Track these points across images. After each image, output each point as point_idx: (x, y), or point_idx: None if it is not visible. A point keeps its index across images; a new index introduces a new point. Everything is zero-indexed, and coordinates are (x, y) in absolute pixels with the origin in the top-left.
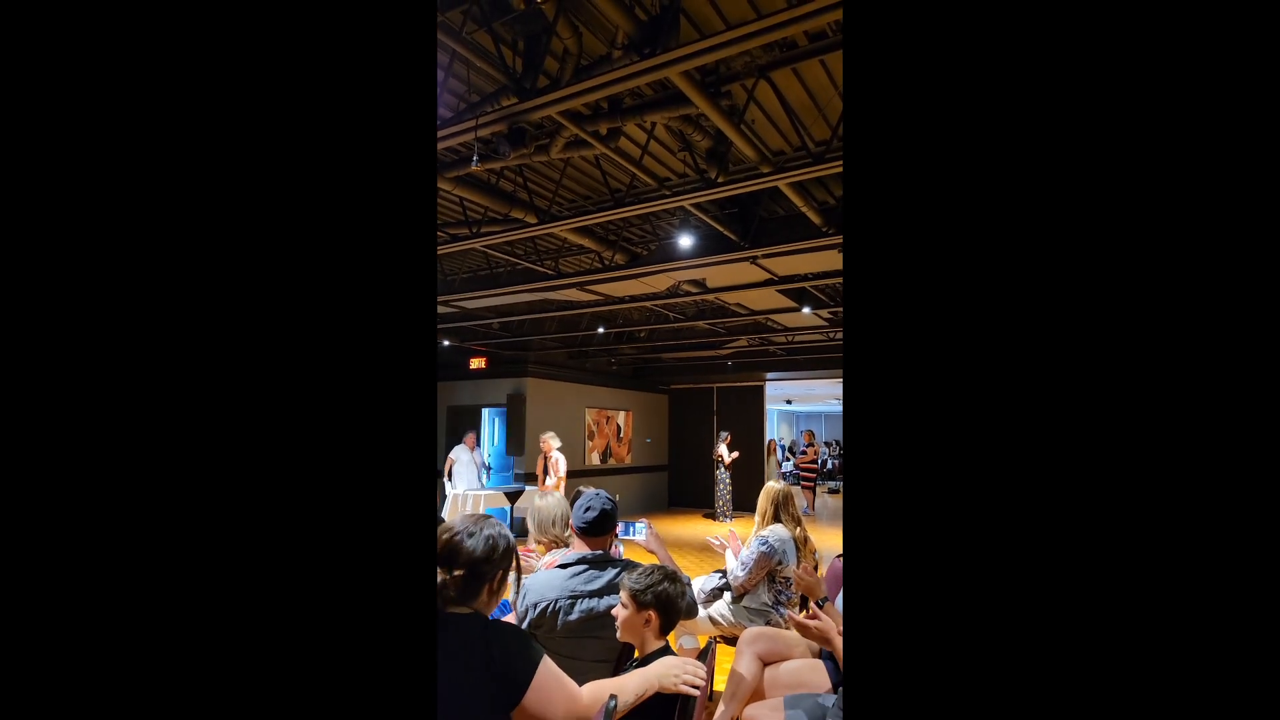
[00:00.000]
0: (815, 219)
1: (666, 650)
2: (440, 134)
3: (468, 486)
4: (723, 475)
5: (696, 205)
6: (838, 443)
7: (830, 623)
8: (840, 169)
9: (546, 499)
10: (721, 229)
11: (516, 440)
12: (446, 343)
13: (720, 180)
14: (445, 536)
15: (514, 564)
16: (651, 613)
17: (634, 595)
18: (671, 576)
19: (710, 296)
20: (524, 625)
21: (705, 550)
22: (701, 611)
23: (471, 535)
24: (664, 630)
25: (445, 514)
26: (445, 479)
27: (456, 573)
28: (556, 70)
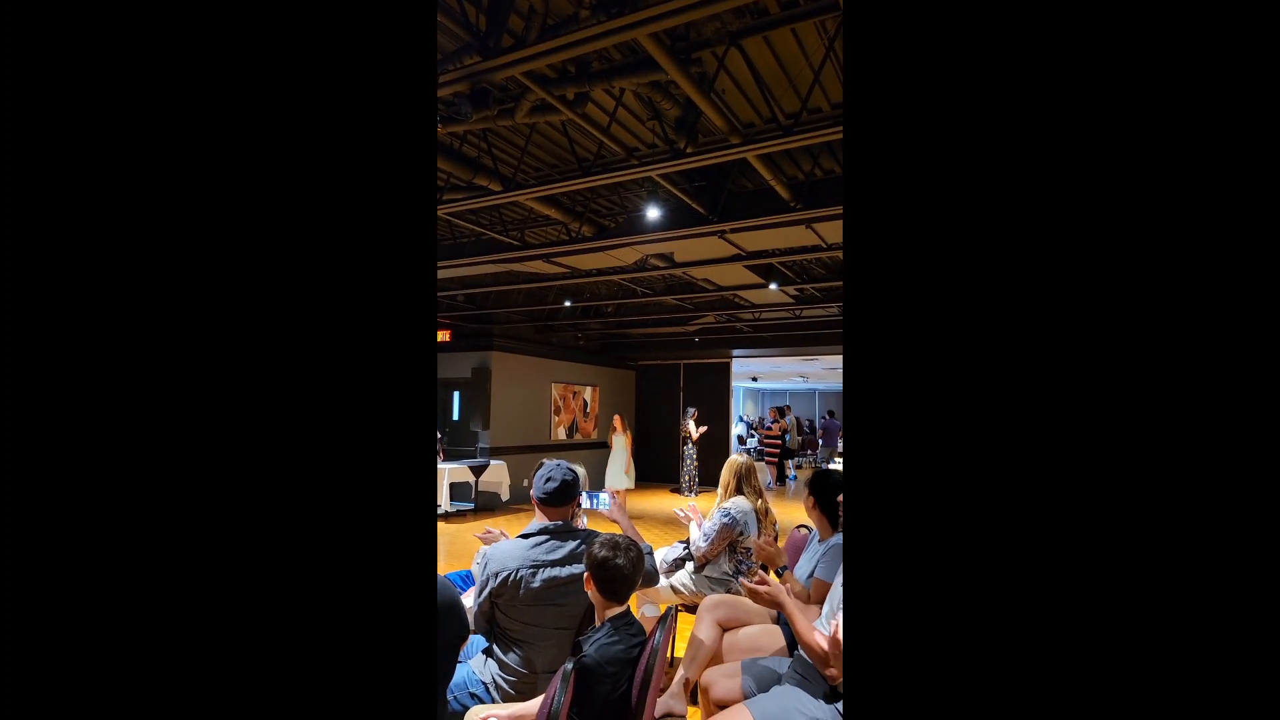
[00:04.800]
0: (784, 194)
1: (627, 616)
2: None
3: None
4: (689, 451)
5: (665, 177)
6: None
7: (780, 587)
8: (808, 142)
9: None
10: (690, 202)
11: (482, 414)
12: None
13: (689, 150)
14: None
15: None
16: (593, 582)
17: (586, 565)
18: (615, 545)
19: (678, 271)
20: (485, 593)
21: (670, 523)
22: (664, 580)
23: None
24: (611, 598)
25: None
26: None
27: None
28: (522, 29)
